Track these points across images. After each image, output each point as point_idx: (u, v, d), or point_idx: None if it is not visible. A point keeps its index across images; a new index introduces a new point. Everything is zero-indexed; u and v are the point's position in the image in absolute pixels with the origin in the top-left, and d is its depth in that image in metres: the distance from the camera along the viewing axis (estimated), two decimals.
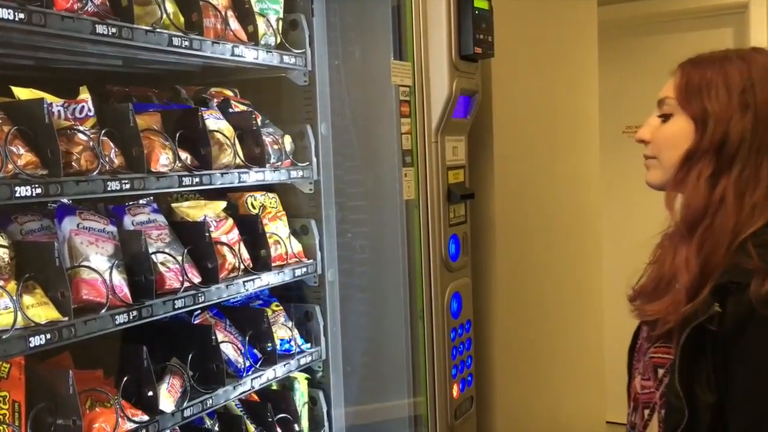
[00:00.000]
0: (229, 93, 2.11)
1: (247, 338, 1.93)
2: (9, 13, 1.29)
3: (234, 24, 1.85)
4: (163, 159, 1.64)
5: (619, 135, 4.74)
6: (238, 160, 1.87)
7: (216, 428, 1.87)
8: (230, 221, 1.93)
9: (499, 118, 2.37)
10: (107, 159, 1.52)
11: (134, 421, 1.53)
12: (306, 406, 2.15)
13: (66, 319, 1.40)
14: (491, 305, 2.39)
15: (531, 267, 2.66)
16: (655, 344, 1.30)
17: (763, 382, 1.15)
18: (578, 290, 3.12)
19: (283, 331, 2.06)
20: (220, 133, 1.84)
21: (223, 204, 1.96)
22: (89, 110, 1.54)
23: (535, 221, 2.70)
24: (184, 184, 1.70)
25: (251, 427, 1.95)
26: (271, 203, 2.12)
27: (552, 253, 2.83)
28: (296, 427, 2.05)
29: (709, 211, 1.23)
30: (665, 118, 1.33)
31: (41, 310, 1.37)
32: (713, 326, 1.16)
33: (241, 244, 1.91)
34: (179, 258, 1.70)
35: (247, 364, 1.89)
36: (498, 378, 2.41)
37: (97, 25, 1.46)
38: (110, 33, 1.49)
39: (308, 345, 2.12)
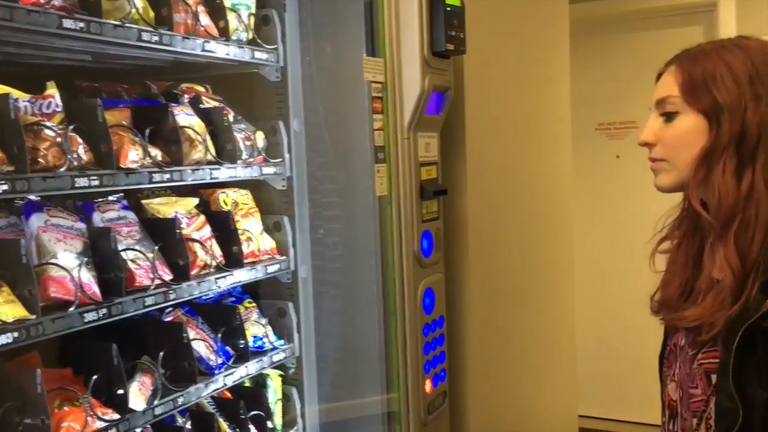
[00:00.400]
0: (200, 89, 2.09)
1: (220, 335, 1.92)
2: None
3: (205, 19, 1.83)
4: (132, 155, 1.62)
5: (592, 132, 4.79)
6: (209, 157, 1.86)
7: (188, 426, 1.86)
8: (202, 218, 1.92)
9: (471, 114, 2.39)
10: (75, 155, 1.50)
11: (104, 420, 1.52)
12: (279, 403, 2.14)
13: (34, 317, 1.38)
14: (464, 301, 2.41)
15: (504, 263, 2.68)
16: (703, 350, 1.25)
17: None
18: (550, 286, 3.14)
19: (256, 328, 2.06)
20: (191, 129, 1.83)
21: (194, 201, 1.95)
22: (57, 106, 1.52)
23: (508, 217, 2.71)
24: (154, 180, 1.69)
25: (224, 425, 1.94)
26: (243, 200, 2.11)
27: (524, 249, 2.85)
28: (269, 425, 2.05)
29: (739, 205, 1.19)
30: (669, 118, 1.27)
31: (8, 308, 1.35)
32: (767, 323, 1.13)
33: (213, 241, 1.90)
34: (150, 255, 1.68)
35: (220, 361, 1.88)
36: (471, 373, 2.42)
37: (64, 20, 1.44)
38: (78, 27, 1.47)
39: (281, 342, 2.12)
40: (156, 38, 1.67)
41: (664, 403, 1.39)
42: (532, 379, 2.93)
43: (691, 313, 1.24)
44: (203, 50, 1.82)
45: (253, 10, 2.01)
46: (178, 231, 1.76)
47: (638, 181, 4.55)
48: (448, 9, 2.11)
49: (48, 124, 1.48)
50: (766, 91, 1.20)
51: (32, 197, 1.54)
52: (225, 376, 1.88)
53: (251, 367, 1.97)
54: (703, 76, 1.23)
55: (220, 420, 1.95)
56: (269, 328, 2.10)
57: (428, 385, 2.19)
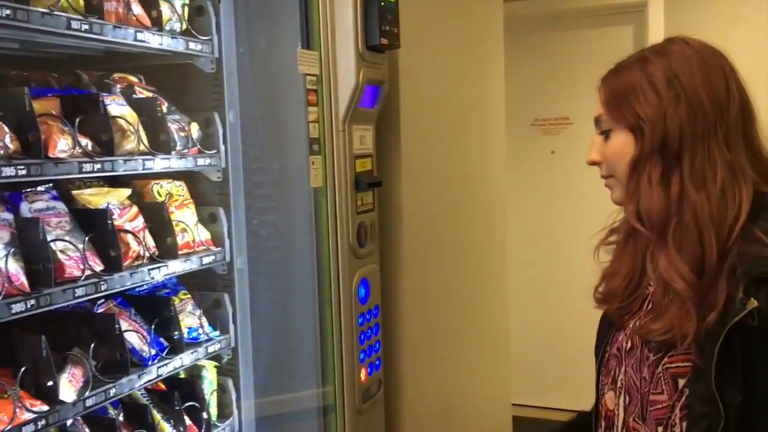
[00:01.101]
0: (133, 79, 2.08)
1: (153, 327, 1.91)
2: None
3: (137, 8, 1.82)
4: (61, 145, 1.61)
5: (528, 127, 4.91)
6: (142, 147, 1.85)
7: (120, 418, 1.85)
8: (135, 209, 1.91)
9: (406, 108, 2.42)
10: (2, 144, 1.48)
11: (33, 411, 1.50)
12: (215, 394, 2.15)
13: None
14: (399, 291, 2.45)
15: (438, 253, 2.73)
16: (669, 353, 1.20)
17: None
18: (485, 276, 3.22)
19: (190, 319, 2.06)
20: (123, 119, 1.81)
21: (127, 191, 1.94)
22: None
23: (443, 209, 2.77)
24: (84, 170, 1.67)
25: (157, 416, 1.94)
26: (178, 191, 2.10)
27: (459, 240, 2.91)
28: (204, 415, 2.05)
29: (672, 210, 1.18)
30: (606, 135, 1.27)
31: None
32: (753, 322, 1.09)
33: (146, 232, 1.90)
34: (80, 246, 1.67)
35: (153, 352, 1.88)
36: (406, 361, 2.46)
37: None
38: (4, 15, 1.45)
39: (217, 333, 2.12)
40: (86, 27, 1.65)
41: (599, 413, 1.35)
42: (466, 367, 2.99)
43: (658, 326, 1.20)
44: (135, 40, 1.80)
45: (187, 0, 2.00)
46: (109, 222, 1.75)
47: (572, 175, 4.70)
48: (383, 4, 2.14)
49: None
50: (685, 91, 1.18)
51: None
52: (159, 367, 1.87)
53: (186, 359, 1.97)
54: (624, 91, 1.23)
55: (154, 411, 1.94)
56: (204, 319, 2.10)
57: (363, 374, 2.22)
